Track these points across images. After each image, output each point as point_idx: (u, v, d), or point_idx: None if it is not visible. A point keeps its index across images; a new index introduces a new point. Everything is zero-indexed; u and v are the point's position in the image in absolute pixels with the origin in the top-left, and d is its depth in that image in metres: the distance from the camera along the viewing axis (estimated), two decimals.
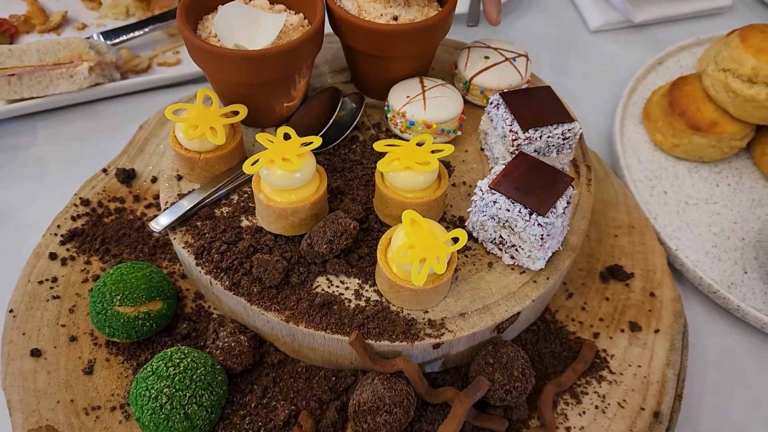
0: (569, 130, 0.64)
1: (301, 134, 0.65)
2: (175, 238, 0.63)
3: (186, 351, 0.59)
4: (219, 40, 0.64)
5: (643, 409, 0.62)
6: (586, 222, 0.66)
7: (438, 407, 0.61)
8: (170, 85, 0.94)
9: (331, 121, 0.69)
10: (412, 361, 0.57)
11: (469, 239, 0.64)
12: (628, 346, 0.66)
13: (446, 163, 0.70)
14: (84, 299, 0.67)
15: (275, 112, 0.70)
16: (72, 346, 0.64)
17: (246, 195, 0.66)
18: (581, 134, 0.74)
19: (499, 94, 0.65)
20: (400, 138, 0.69)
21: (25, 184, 0.83)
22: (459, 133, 0.70)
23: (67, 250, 0.71)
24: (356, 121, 0.70)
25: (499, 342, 0.60)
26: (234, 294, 0.59)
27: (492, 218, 0.60)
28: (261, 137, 0.60)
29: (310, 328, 0.57)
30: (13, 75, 0.83)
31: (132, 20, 1.01)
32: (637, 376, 0.64)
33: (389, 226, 0.64)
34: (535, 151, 0.64)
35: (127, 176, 0.76)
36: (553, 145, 0.64)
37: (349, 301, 0.59)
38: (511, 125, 0.63)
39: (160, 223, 0.63)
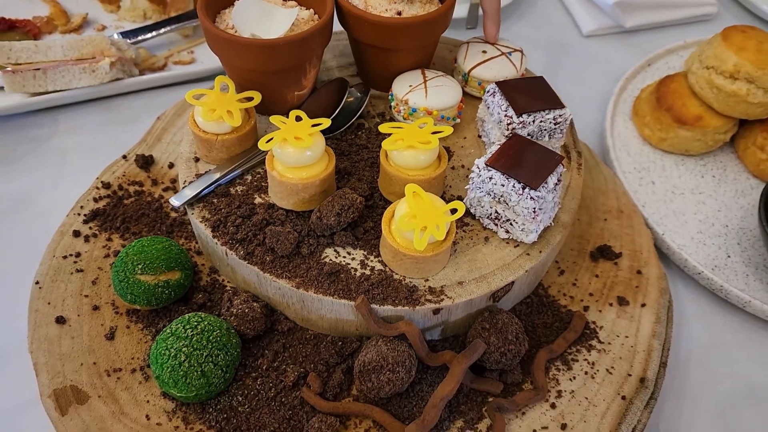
0: (560, 115, 0.69)
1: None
2: (193, 213, 0.68)
3: (203, 316, 0.63)
4: (236, 31, 0.69)
5: (629, 375, 0.66)
6: (576, 202, 0.71)
7: (437, 371, 0.65)
8: (185, 82, 0.99)
9: (339, 108, 0.74)
10: (413, 325, 0.62)
11: (467, 216, 0.69)
12: (616, 319, 0.71)
13: (446, 149, 0.75)
14: (106, 272, 0.72)
15: (287, 100, 0.75)
16: (94, 315, 0.68)
17: (259, 175, 0.71)
18: (572, 123, 0.79)
19: (495, 83, 0.71)
20: None
21: (47, 172, 0.88)
22: (458, 120, 0.75)
23: (90, 228, 0.75)
24: (362, 108, 0.75)
25: (494, 309, 0.65)
26: (248, 263, 0.64)
27: (488, 194, 0.64)
28: (275, 119, 0.65)
29: (318, 293, 0.62)
30: (38, 69, 0.88)
31: (149, 23, 1.06)
32: (624, 346, 0.69)
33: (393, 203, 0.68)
34: (528, 135, 0.69)
35: (145, 162, 0.81)
36: (545, 130, 0.69)
37: (355, 270, 0.64)
38: (506, 111, 0.68)
39: (180, 198, 0.67)
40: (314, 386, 0.63)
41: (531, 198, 0.61)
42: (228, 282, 0.71)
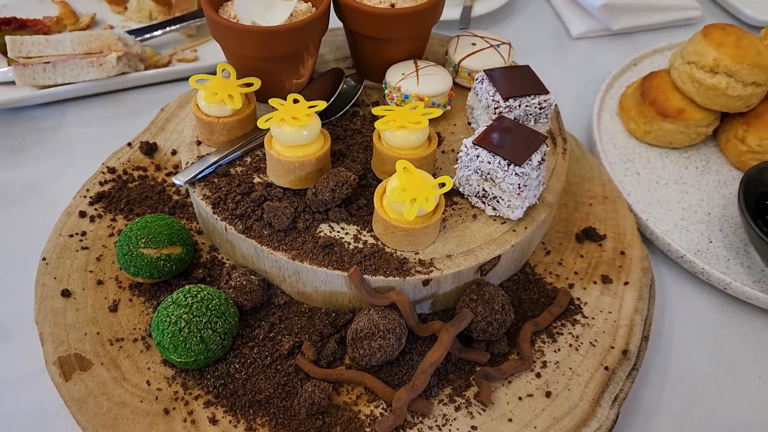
0: (545, 101, 0.72)
1: None
2: (194, 192, 0.71)
3: (202, 286, 0.66)
4: (238, 21, 0.73)
5: (612, 347, 0.69)
6: (561, 183, 0.74)
7: (427, 341, 0.67)
8: (188, 78, 1.03)
9: (335, 95, 0.78)
10: (403, 294, 0.64)
11: (456, 194, 0.72)
12: (600, 296, 0.73)
13: (438, 134, 0.78)
14: (110, 250, 0.75)
15: (285, 88, 0.78)
16: (99, 289, 0.71)
17: (258, 157, 0.74)
18: (558, 113, 0.82)
19: (484, 70, 0.74)
20: None
21: (54, 161, 0.92)
22: (448, 107, 0.79)
23: (95, 209, 0.79)
24: (357, 95, 0.79)
25: (482, 282, 0.68)
26: (246, 237, 0.67)
27: (476, 171, 0.67)
28: (274, 101, 0.68)
29: (313, 264, 0.65)
30: (48, 63, 0.92)
31: (154, 23, 1.10)
32: (607, 321, 0.71)
33: None
34: (514, 119, 0.72)
35: (149, 149, 0.85)
36: (531, 114, 0.73)
37: (349, 243, 0.67)
38: (493, 96, 0.72)
39: (182, 177, 0.71)
40: (308, 354, 0.66)
41: (516, 174, 0.64)
42: (227, 259, 0.74)
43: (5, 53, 1.01)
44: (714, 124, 0.94)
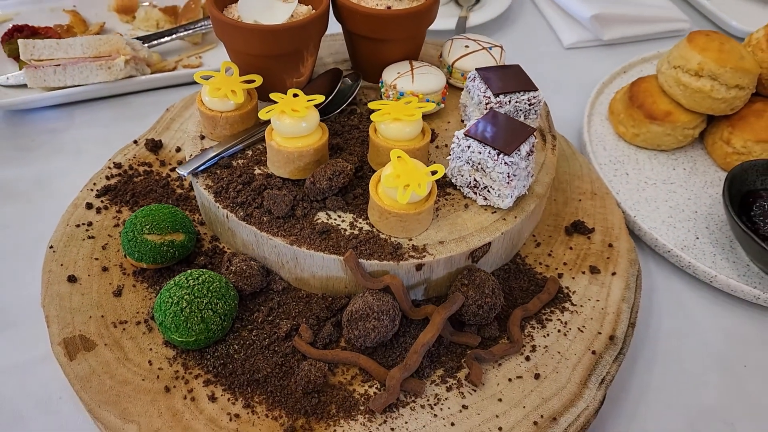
0: (534, 97, 0.76)
1: None
2: (197, 182, 0.74)
3: (204, 270, 0.68)
4: (241, 20, 0.77)
5: (600, 333, 0.71)
6: (550, 176, 0.77)
7: (420, 324, 0.70)
8: (193, 83, 1.07)
9: (334, 93, 0.81)
10: (397, 278, 0.67)
11: (448, 186, 0.75)
12: (588, 285, 0.76)
13: (432, 131, 0.81)
14: (115, 239, 0.78)
15: (286, 86, 0.82)
16: (104, 275, 0.74)
17: (259, 150, 0.78)
18: (549, 113, 0.86)
19: (476, 69, 0.78)
20: None
21: (62, 159, 0.95)
22: (442, 105, 0.82)
23: (101, 201, 0.82)
24: (355, 92, 0.82)
25: (473, 268, 0.70)
26: (247, 224, 0.70)
27: (467, 162, 0.70)
28: (275, 95, 0.71)
29: (311, 249, 0.67)
30: (59, 65, 0.96)
31: (161, 31, 1.15)
32: (595, 308, 0.73)
33: None
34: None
35: (154, 146, 0.88)
36: (520, 110, 0.76)
37: (345, 230, 0.69)
38: (485, 92, 0.75)
39: (186, 168, 0.74)
40: (305, 336, 0.68)
41: (505, 163, 0.67)
42: (228, 248, 0.76)
43: (17, 58, 1.05)
44: (700, 127, 0.97)
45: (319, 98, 0.71)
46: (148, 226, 0.71)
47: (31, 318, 0.74)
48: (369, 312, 0.65)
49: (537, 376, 0.67)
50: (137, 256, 0.71)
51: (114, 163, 0.86)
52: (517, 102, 0.75)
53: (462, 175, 0.72)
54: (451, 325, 0.70)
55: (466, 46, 0.86)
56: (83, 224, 0.79)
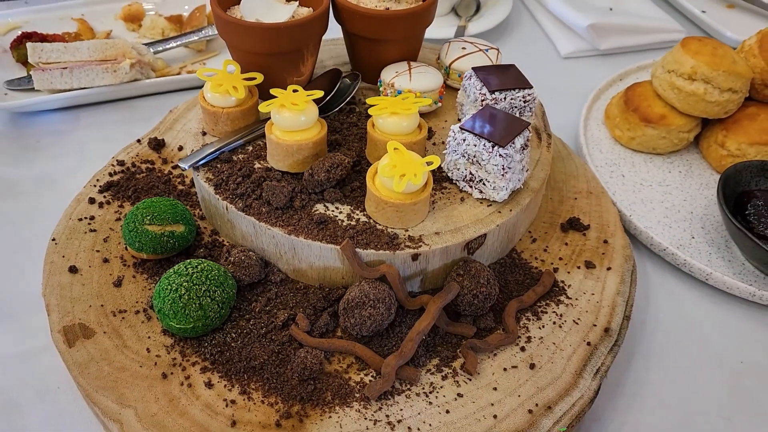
0: (529, 94, 0.77)
1: None
2: (198, 175, 0.75)
3: (203, 260, 0.69)
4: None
5: (595, 325, 0.72)
6: (545, 172, 0.78)
7: (416, 315, 0.70)
8: (196, 87, 1.09)
9: (334, 91, 0.83)
10: (393, 267, 0.68)
11: (445, 180, 0.76)
12: (584, 279, 0.76)
13: (429, 128, 0.83)
14: (116, 232, 0.79)
15: (287, 86, 0.83)
16: (104, 266, 0.75)
17: (259, 146, 0.79)
18: (544, 112, 0.87)
19: (472, 68, 0.79)
20: None
21: (67, 159, 0.97)
22: (439, 104, 0.84)
23: (104, 197, 0.83)
24: (354, 91, 0.84)
25: (469, 260, 0.71)
26: (246, 214, 0.71)
27: (463, 155, 0.72)
28: (275, 90, 0.73)
29: (308, 239, 0.68)
30: (66, 68, 0.98)
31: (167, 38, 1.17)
32: (590, 302, 0.74)
33: None
34: None
35: (157, 144, 0.90)
36: (516, 107, 0.77)
37: (342, 221, 0.70)
38: (480, 89, 0.77)
39: (187, 161, 0.75)
40: (302, 325, 0.68)
41: (500, 155, 0.69)
42: (228, 241, 0.77)
43: (25, 63, 1.08)
44: (695, 131, 0.98)
45: (318, 93, 0.73)
46: (149, 217, 0.72)
47: (32, 310, 0.75)
48: (365, 300, 0.66)
49: (532, 366, 0.67)
50: (138, 246, 0.72)
51: (117, 160, 0.88)
52: (512, 99, 0.77)
53: (458, 169, 0.73)
54: (446, 315, 0.70)
55: (463, 48, 0.88)
56: (85, 218, 0.80)
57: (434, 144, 0.81)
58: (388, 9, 0.82)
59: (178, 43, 1.11)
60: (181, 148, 0.90)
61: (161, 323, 0.68)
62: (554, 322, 0.72)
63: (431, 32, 1.15)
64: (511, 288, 0.75)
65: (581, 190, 0.88)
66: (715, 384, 0.74)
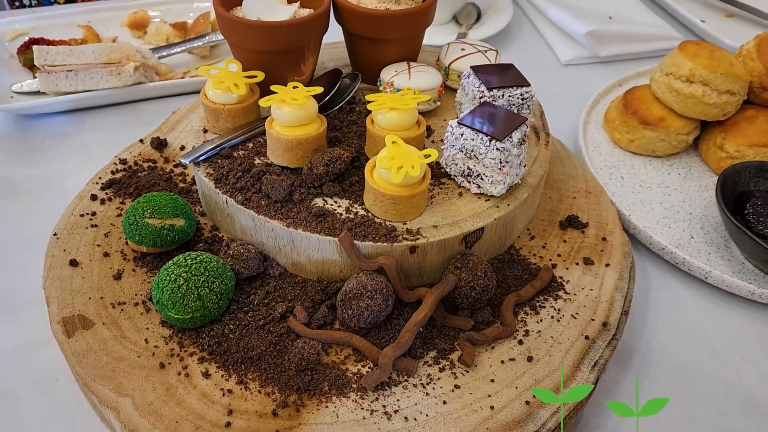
0: (527, 92, 0.78)
1: None
2: (198, 170, 0.76)
3: (202, 252, 0.70)
4: None
5: (593, 319, 0.71)
6: (543, 169, 0.79)
7: (413, 308, 0.70)
8: (199, 92, 1.10)
9: (334, 90, 0.84)
10: (391, 258, 0.68)
11: (443, 176, 0.76)
12: (582, 275, 0.76)
13: (428, 127, 0.83)
14: (117, 228, 0.79)
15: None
16: (105, 260, 0.75)
17: (259, 143, 0.80)
18: (543, 113, 0.88)
19: (470, 66, 0.80)
20: None
21: (71, 160, 0.98)
22: (438, 103, 0.85)
23: (106, 193, 0.84)
24: (354, 90, 0.85)
25: (466, 253, 0.71)
26: (245, 208, 0.71)
27: (460, 150, 0.72)
28: (276, 87, 0.74)
29: (307, 231, 0.69)
30: (71, 71, 1.00)
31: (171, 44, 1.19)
32: (588, 297, 0.74)
33: None
34: None
35: (159, 144, 0.91)
36: (513, 105, 0.78)
37: (341, 214, 0.71)
38: (479, 87, 0.78)
39: (188, 156, 0.76)
40: (300, 317, 0.69)
41: (497, 149, 0.69)
42: (227, 237, 0.78)
43: (31, 68, 1.10)
44: (694, 133, 0.99)
45: (318, 89, 0.74)
46: (149, 211, 0.73)
47: (32, 305, 0.76)
48: (363, 291, 0.66)
49: (530, 359, 0.67)
50: (138, 239, 0.73)
51: (120, 159, 0.89)
52: (510, 96, 0.77)
53: (456, 164, 0.74)
54: (444, 308, 0.70)
55: (462, 49, 0.89)
56: (87, 214, 0.81)
57: (433, 142, 0.82)
58: (387, 9, 0.83)
59: (182, 48, 1.13)
60: (183, 148, 0.91)
61: (160, 314, 0.68)
62: (552, 317, 0.72)
63: (433, 39, 1.17)
64: (510, 283, 0.75)
65: (580, 189, 0.89)
66: (714, 381, 0.73)
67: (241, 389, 0.64)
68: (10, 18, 1.19)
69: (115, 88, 1.02)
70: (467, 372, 0.66)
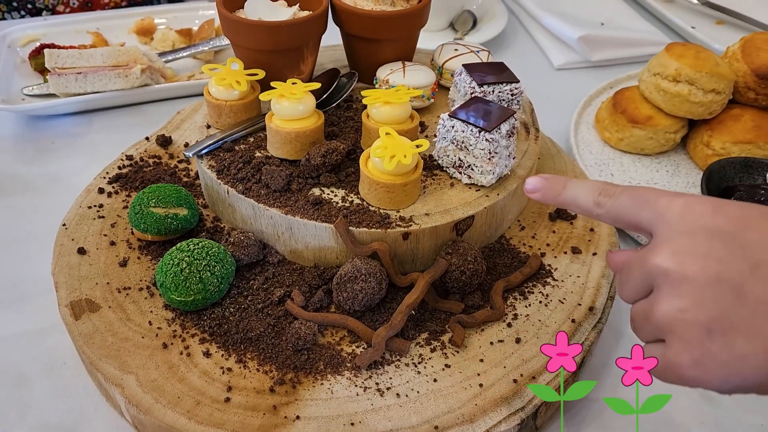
0: (516, 88, 0.82)
1: None
2: (201, 163, 0.80)
3: (204, 239, 0.73)
4: None
5: (579, 304, 0.74)
6: (532, 162, 0.82)
7: (406, 292, 0.73)
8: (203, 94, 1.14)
9: (331, 89, 0.88)
10: (384, 244, 0.71)
11: (435, 168, 0.80)
12: (570, 263, 0.79)
13: (422, 123, 0.87)
14: (124, 219, 0.83)
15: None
16: (111, 248, 0.79)
17: (260, 138, 0.83)
18: (533, 110, 0.91)
19: (462, 64, 0.84)
20: None
21: (79, 159, 1.02)
22: (432, 100, 0.88)
23: (113, 187, 0.87)
24: (351, 88, 0.89)
25: (457, 240, 0.74)
26: (245, 197, 0.75)
27: (452, 142, 0.76)
28: (275, 83, 0.78)
29: (304, 218, 0.72)
30: (80, 73, 1.04)
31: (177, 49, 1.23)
32: (576, 283, 0.77)
33: None
34: None
35: (164, 141, 0.94)
36: (503, 100, 0.82)
37: (337, 203, 0.74)
38: (470, 84, 0.81)
39: (191, 150, 0.79)
40: (297, 300, 0.72)
41: (486, 140, 0.72)
42: (228, 226, 0.81)
43: (42, 72, 1.14)
44: (681, 132, 1.02)
45: (315, 85, 0.77)
46: (154, 200, 0.76)
47: (41, 293, 0.79)
48: (357, 274, 0.69)
49: (518, 341, 0.70)
50: (143, 228, 0.76)
51: (126, 155, 0.92)
52: (500, 92, 0.81)
53: (447, 156, 0.77)
54: (435, 292, 0.73)
55: (456, 50, 0.93)
56: (95, 206, 0.84)
57: (426, 137, 0.85)
58: (383, 10, 0.87)
59: (187, 53, 1.17)
60: (187, 145, 0.94)
61: (163, 297, 0.71)
62: (540, 302, 0.74)
63: (430, 45, 1.20)
64: (499, 270, 0.78)
65: None
66: None
67: (240, 368, 0.66)
68: (23, 25, 1.24)
69: (123, 89, 1.06)
70: (457, 352, 0.69)
